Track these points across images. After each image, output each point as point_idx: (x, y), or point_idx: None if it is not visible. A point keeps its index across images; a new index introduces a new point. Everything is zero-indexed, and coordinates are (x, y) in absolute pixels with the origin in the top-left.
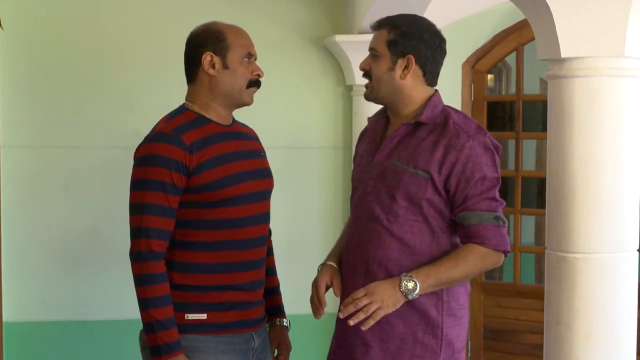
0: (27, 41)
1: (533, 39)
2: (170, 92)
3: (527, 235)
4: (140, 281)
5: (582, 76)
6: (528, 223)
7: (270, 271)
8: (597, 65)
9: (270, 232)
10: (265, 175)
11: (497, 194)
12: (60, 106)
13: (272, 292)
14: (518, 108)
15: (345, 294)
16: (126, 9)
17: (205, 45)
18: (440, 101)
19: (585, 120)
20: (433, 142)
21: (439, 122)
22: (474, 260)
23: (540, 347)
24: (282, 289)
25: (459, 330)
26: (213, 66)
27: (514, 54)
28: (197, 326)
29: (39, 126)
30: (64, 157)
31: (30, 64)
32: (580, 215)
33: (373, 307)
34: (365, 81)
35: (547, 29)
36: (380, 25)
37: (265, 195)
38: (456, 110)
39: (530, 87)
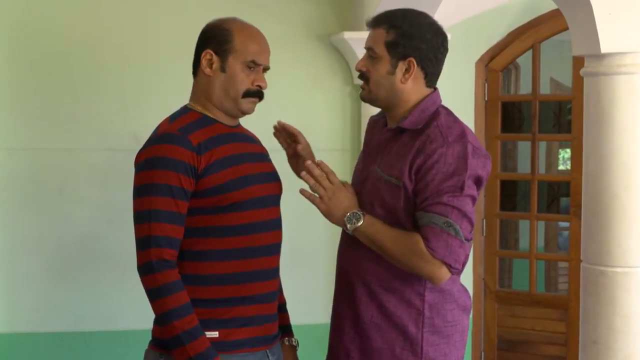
0: (19, 40)
1: (550, 36)
2: (169, 92)
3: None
4: (157, 294)
5: (624, 73)
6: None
7: None
8: None
9: None
10: (274, 179)
11: (462, 204)
12: (54, 107)
13: (280, 310)
14: (534, 108)
15: (334, 299)
16: (123, 5)
17: (208, 42)
18: (434, 103)
19: (627, 120)
20: (411, 147)
21: (421, 127)
22: (409, 249)
23: (557, 358)
24: (287, 297)
25: (445, 349)
26: (211, 65)
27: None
28: None
29: (32, 128)
30: (58, 160)
31: (23, 63)
32: (621, 225)
33: (321, 192)
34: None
35: (585, 22)
36: (378, 22)
37: (275, 200)
38: (448, 113)
39: (541, 87)
